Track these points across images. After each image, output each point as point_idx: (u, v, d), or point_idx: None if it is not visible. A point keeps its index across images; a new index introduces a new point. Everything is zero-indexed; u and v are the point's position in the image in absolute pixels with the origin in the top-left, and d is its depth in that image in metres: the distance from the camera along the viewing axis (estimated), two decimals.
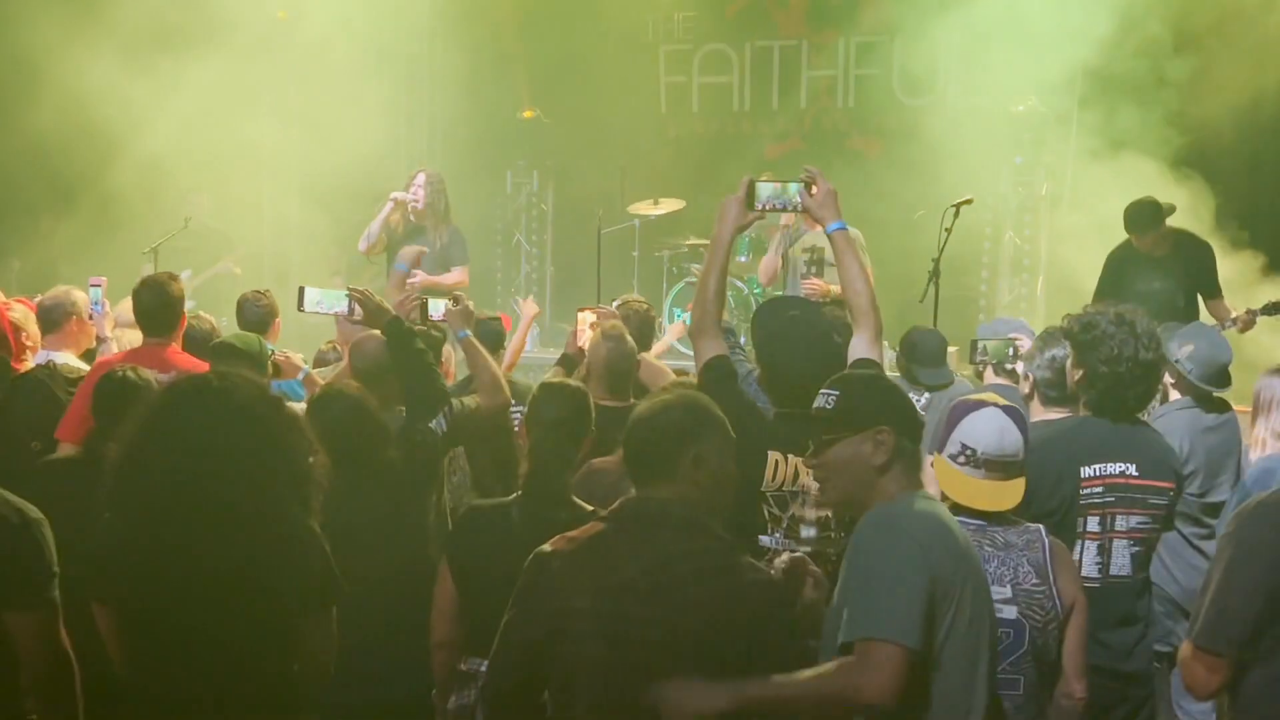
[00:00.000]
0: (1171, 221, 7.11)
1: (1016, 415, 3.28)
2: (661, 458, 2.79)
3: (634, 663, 2.65)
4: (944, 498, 3.21)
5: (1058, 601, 3.15)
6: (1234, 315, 6.75)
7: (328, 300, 4.62)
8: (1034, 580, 3.14)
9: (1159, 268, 6.98)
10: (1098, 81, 8.83)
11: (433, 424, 4.04)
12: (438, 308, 4.95)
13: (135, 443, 2.72)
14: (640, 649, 2.65)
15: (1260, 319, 6.67)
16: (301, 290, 4.69)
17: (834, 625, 2.69)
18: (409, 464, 3.92)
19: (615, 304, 5.61)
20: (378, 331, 4.37)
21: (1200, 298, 7.05)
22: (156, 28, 9.07)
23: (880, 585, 2.59)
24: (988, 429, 3.17)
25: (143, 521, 2.67)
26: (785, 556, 2.98)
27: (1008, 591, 3.11)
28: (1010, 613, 3.10)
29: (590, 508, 3.42)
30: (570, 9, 10.82)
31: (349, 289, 4.51)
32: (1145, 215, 6.90)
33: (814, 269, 7.90)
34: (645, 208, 9.90)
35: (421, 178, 7.58)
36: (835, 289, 7.57)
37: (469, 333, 4.67)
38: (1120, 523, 3.70)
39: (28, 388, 4.75)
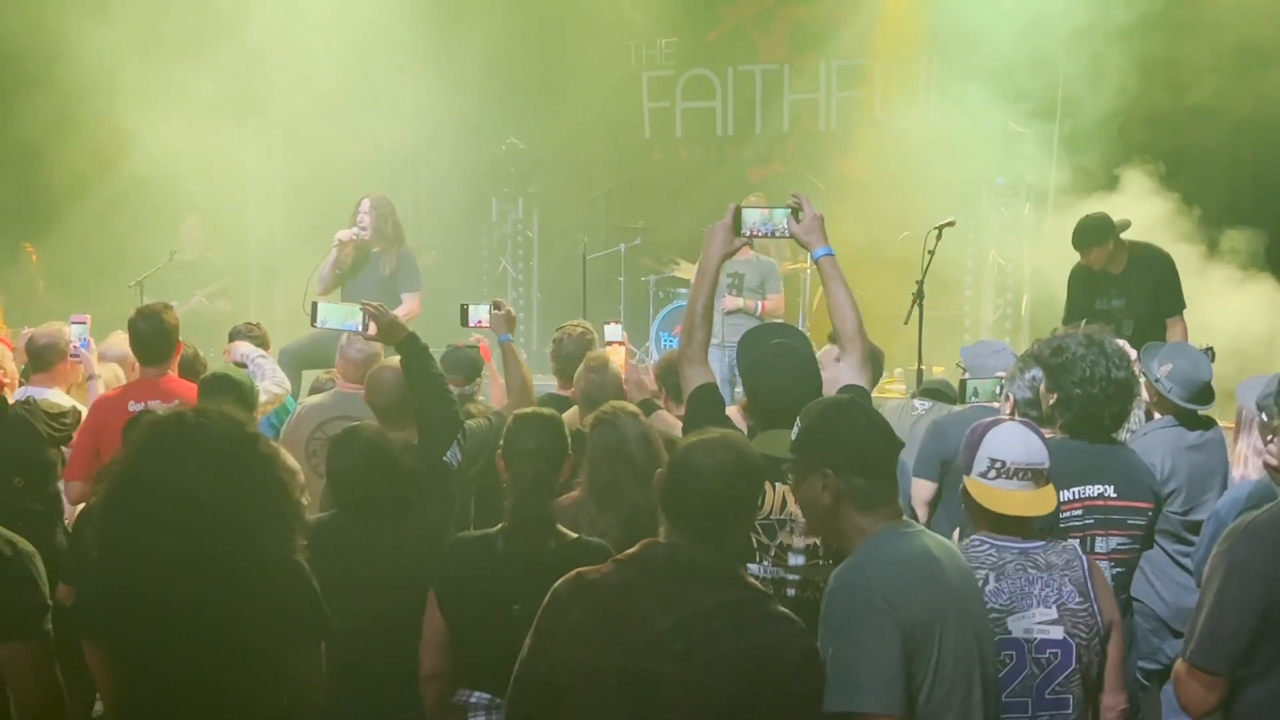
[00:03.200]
0: (1155, 230, 7.12)
1: (1034, 427, 3.33)
2: (732, 518, 2.70)
3: None
4: (983, 517, 3.23)
5: (1099, 619, 3.18)
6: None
7: (341, 316, 4.47)
8: (1077, 599, 3.16)
9: (1116, 284, 6.78)
10: (1078, 100, 8.90)
11: (447, 456, 4.00)
12: (479, 312, 5.00)
13: (117, 483, 2.73)
14: (666, 709, 2.55)
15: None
16: (314, 305, 4.54)
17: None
18: (427, 503, 3.87)
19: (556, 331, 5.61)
20: (394, 363, 4.33)
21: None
22: (137, 51, 9.04)
23: (855, 658, 2.62)
24: (1012, 441, 3.20)
25: (128, 561, 2.67)
26: None
27: (1053, 613, 3.13)
28: (1057, 633, 3.12)
29: (575, 535, 3.42)
30: (553, 36, 10.87)
31: (362, 304, 4.39)
32: (1088, 232, 6.67)
33: (734, 291, 8.34)
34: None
35: (366, 204, 7.49)
36: (749, 305, 8.19)
37: (510, 336, 4.89)
38: (1100, 545, 3.72)
39: (7, 424, 4.72)
